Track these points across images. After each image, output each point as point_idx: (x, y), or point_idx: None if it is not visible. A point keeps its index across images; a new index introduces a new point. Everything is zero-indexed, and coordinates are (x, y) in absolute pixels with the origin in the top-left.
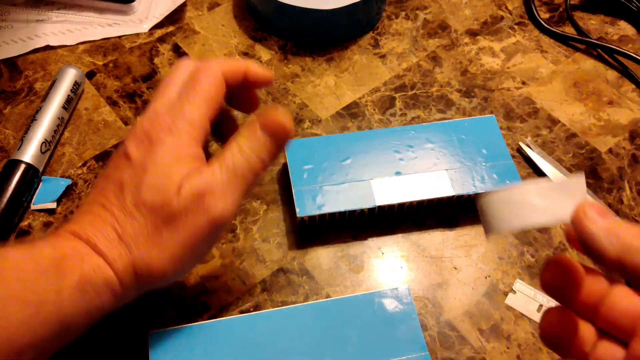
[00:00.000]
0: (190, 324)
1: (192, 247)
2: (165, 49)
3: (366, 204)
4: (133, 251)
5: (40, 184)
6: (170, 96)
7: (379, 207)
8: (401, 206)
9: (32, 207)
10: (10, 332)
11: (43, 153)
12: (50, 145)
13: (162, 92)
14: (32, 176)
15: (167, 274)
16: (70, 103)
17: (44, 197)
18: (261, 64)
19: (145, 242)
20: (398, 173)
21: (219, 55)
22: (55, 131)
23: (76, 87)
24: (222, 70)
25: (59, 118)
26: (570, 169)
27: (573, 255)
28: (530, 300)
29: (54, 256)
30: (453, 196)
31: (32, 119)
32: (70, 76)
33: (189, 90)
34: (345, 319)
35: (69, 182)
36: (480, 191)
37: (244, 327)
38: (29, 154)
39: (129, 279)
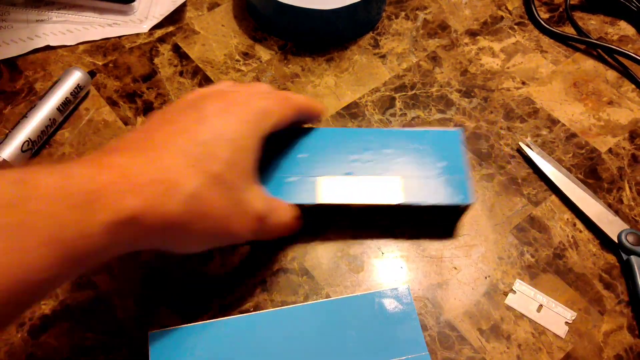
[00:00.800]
0: (190, 324)
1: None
2: (165, 49)
3: (307, 200)
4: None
5: None
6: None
7: (320, 204)
8: (346, 207)
9: None
10: (28, 269)
11: (23, 152)
12: (34, 146)
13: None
14: None
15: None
16: (66, 105)
17: None
18: (261, 63)
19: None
20: (349, 174)
21: (219, 56)
22: (42, 132)
23: (77, 90)
24: (301, 106)
25: (50, 119)
26: (570, 169)
27: (573, 256)
28: (530, 300)
29: (89, 189)
30: (400, 204)
31: (23, 116)
32: (73, 78)
33: (280, 99)
34: (345, 318)
35: None
36: (428, 203)
37: (244, 327)
38: (7, 151)
39: (156, 229)
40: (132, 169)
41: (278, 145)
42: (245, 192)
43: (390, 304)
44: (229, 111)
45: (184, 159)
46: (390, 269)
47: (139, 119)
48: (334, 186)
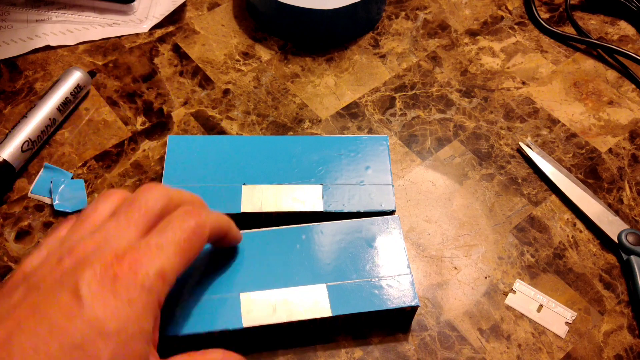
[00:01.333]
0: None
1: None
2: (165, 49)
3: (230, 209)
4: None
5: (41, 171)
6: (137, 228)
7: (244, 213)
8: (268, 215)
9: (30, 195)
10: None
11: (23, 152)
12: (34, 145)
13: (123, 216)
14: (7, 174)
15: None
16: (66, 105)
17: (42, 189)
18: (261, 63)
19: None
20: (272, 182)
21: (219, 55)
22: (42, 132)
23: (77, 90)
24: (211, 225)
25: (50, 119)
26: (570, 169)
27: (573, 256)
28: (530, 300)
29: None
30: (321, 212)
31: (23, 116)
32: (73, 78)
33: (166, 230)
34: (335, 240)
35: (70, 175)
36: (350, 210)
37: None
38: (8, 150)
39: None
40: None
41: (200, 154)
42: None
43: (378, 230)
44: (112, 290)
45: None
46: None
47: (139, 119)
48: (257, 194)
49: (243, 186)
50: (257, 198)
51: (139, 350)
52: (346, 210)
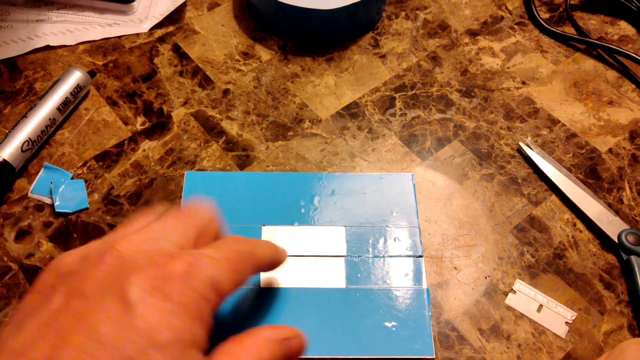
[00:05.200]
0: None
1: None
2: (165, 49)
3: None
4: None
5: (41, 171)
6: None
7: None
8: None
9: (30, 195)
10: None
11: (23, 152)
12: (34, 145)
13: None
14: (7, 174)
15: None
16: (66, 105)
17: (42, 189)
18: (261, 63)
19: None
20: (292, 222)
21: (219, 55)
22: (42, 132)
23: (77, 90)
24: (261, 257)
25: (50, 119)
26: (570, 169)
27: (573, 256)
28: (531, 300)
29: None
30: (345, 256)
31: (23, 116)
32: (73, 78)
33: (219, 248)
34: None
35: (70, 175)
36: (375, 256)
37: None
38: (7, 151)
39: None
40: None
41: (218, 191)
42: None
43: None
44: (163, 294)
45: None
46: None
47: (139, 119)
48: (278, 236)
49: (263, 227)
50: (277, 241)
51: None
52: (371, 255)
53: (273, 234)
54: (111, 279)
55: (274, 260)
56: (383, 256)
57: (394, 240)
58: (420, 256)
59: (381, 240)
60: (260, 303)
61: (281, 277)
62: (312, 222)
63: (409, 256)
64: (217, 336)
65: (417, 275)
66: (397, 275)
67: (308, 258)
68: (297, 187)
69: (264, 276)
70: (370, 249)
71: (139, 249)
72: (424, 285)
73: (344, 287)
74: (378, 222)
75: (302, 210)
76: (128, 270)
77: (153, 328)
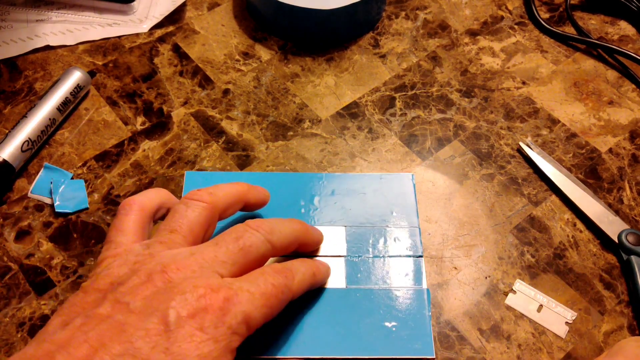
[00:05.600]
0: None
1: None
2: (165, 49)
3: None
4: None
5: (41, 171)
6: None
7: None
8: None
9: (30, 195)
10: None
11: (23, 152)
12: (34, 145)
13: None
14: (7, 174)
15: None
16: (66, 105)
17: (42, 189)
18: (261, 63)
19: None
20: None
21: (219, 55)
22: (42, 132)
23: (77, 90)
24: (298, 288)
25: (50, 119)
26: (571, 169)
27: (573, 256)
28: (531, 301)
29: None
30: (345, 256)
31: (23, 116)
32: (73, 78)
33: (258, 280)
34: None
35: (70, 175)
36: (375, 256)
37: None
38: (7, 151)
39: None
40: None
41: None
42: None
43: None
44: (200, 324)
45: None
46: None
47: (139, 119)
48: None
49: None
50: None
51: None
52: (371, 255)
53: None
54: (156, 301)
55: (314, 284)
56: (383, 256)
57: (394, 240)
58: (421, 256)
59: (381, 240)
60: None
61: None
62: (312, 222)
63: (409, 256)
64: None
65: (417, 275)
66: (397, 275)
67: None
68: (297, 187)
69: None
70: (371, 249)
71: (186, 276)
72: (424, 285)
73: (344, 287)
74: (378, 222)
75: (302, 210)
76: (173, 295)
77: (184, 353)
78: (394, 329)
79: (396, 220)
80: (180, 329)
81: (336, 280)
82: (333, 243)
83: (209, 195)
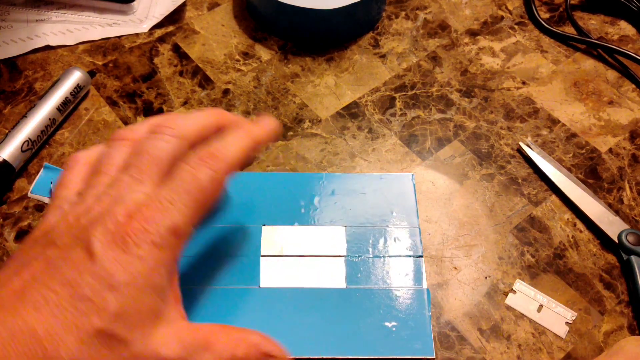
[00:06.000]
0: None
1: None
2: (165, 49)
3: (250, 253)
4: None
5: (41, 171)
6: (152, 177)
7: (263, 256)
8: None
9: (30, 195)
10: None
11: (23, 152)
12: (34, 145)
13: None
14: (7, 174)
15: None
16: (66, 105)
17: (42, 189)
18: (261, 63)
19: None
20: (293, 223)
21: (219, 55)
22: (42, 132)
23: (77, 90)
24: (230, 167)
25: (50, 119)
26: (571, 169)
27: (573, 256)
28: (531, 301)
29: None
30: (345, 256)
31: (23, 116)
32: (73, 78)
33: (175, 181)
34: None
35: None
36: (375, 256)
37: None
38: (7, 151)
39: None
40: (2, 338)
41: None
42: (150, 339)
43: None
44: (124, 244)
45: (61, 319)
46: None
47: (139, 119)
48: (278, 236)
49: (263, 227)
50: (277, 241)
51: (149, 303)
52: (371, 255)
53: (273, 234)
54: (81, 234)
55: (257, 148)
56: (383, 256)
57: (394, 240)
58: (421, 256)
59: (381, 240)
60: (260, 303)
61: (281, 277)
62: (312, 222)
63: (409, 256)
64: None
65: (417, 275)
66: (397, 275)
67: (308, 258)
68: (297, 187)
69: (264, 276)
70: (371, 249)
71: (106, 208)
72: (424, 285)
73: (344, 287)
74: (378, 222)
75: (302, 210)
76: (95, 227)
77: (110, 273)
78: (394, 329)
79: (396, 220)
80: (104, 254)
81: (336, 280)
82: (333, 243)
83: (131, 132)
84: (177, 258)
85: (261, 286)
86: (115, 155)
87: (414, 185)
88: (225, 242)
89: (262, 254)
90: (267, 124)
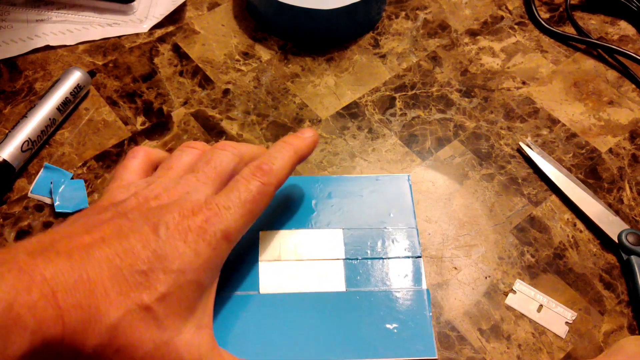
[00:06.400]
0: None
1: None
2: (165, 49)
3: (247, 258)
4: None
5: (41, 171)
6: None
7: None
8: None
9: (30, 195)
10: None
11: (23, 152)
12: (34, 145)
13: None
14: (7, 174)
15: None
16: (66, 105)
17: (42, 189)
18: (261, 63)
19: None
20: (290, 227)
21: (219, 55)
22: (42, 132)
23: (77, 90)
24: (277, 181)
25: (50, 119)
26: (571, 169)
27: (573, 256)
28: (531, 301)
29: (9, 312)
30: (344, 259)
31: (23, 116)
32: (73, 78)
33: (232, 191)
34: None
35: (70, 175)
36: (374, 258)
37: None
38: (8, 150)
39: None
40: (58, 284)
41: None
42: (179, 334)
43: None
44: (185, 236)
45: (115, 283)
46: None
47: (139, 119)
48: (275, 241)
49: (260, 232)
50: (275, 245)
51: (191, 296)
52: (369, 257)
53: (270, 239)
54: (151, 214)
55: (301, 159)
56: (382, 258)
57: (392, 241)
58: (419, 257)
59: (379, 242)
60: (260, 309)
61: (280, 282)
62: (310, 225)
63: (408, 257)
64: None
65: (417, 276)
66: (397, 277)
67: (307, 262)
68: (294, 190)
69: (263, 282)
70: (369, 251)
71: (175, 200)
72: (424, 286)
73: (344, 290)
74: (376, 224)
75: (300, 214)
76: (164, 213)
77: (168, 257)
78: (395, 330)
79: (394, 222)
80: (167, 238)
81: (335, 283)
82: (331, 246)
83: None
84: (223, 262)
85: (261, 292)
86: (185, 157)
87: (410, 186)
88: None
89: (260, 259)
90: (308, 137)
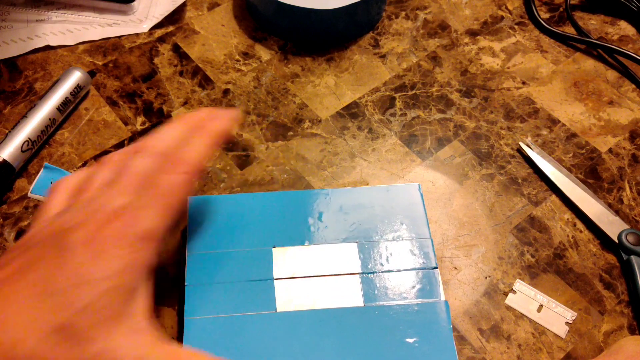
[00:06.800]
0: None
1: None
2: (165, 49)
3: (262, 275)
4: None
5: (41, 171)
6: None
7: (277, 279)
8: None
9: (30, 195)
10: None
11: (23, 152)
12: (34, 146)
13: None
14: (7, 174)
15: None
16: (66, 105)
17: (42, 189)
18: (261, 63)
19: None
20: (303, 242)
21: (219, 55)
22: (42, 132)
23: (77, 90)
24: (193, 169)
25: (50, 119)
26: (571, 169)
27: (573, 256)
28: (531, 301)
29: None
30: (360, 273)
31: (23, 116)
32: (73, 78)
33: (148, 190)
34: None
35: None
36: (390, 271)
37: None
38: (7, 151)
39: None
40: None
41: (221, 215)
42: (111, 341)
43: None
44: (101, 245)
45: (29, 313)
46: None
47: (139, 119)
48: (290, 257)
49: (273, 249)
50: (289, 262)
51: (116, 301)
52: (386, 270)
53: (284, 255)
54: (61, 236)
55: (219, 141)
56: (398, 270)
57: (407, 253)
58: (435, 267)
59: (395, 254)
60: (278, 328)
61: (297, 299)
62: (323, 240)
63: (424, 268)
64: None
65: (434, 288)
66: (414, 289)
67: (323, 278)
68: (304, 205)
69: (279, 300)
70: (385, 264)
71: (88, 217)
72: (442, 297)
73: (362, 305)
74: (389, 235)
75: (312, 229)
76: (76, 230)
77: (83, 270)
78: (416, 344)
79: (407, 233)
80: (80, 253)
81: (353, 298)
82: (346, 260)
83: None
84: (150, 262)
85: (277, 310)
86: (98, 176)
87: (422, 195)
88: (237, 267)
89: (275, 276)
90: (224, 116)
